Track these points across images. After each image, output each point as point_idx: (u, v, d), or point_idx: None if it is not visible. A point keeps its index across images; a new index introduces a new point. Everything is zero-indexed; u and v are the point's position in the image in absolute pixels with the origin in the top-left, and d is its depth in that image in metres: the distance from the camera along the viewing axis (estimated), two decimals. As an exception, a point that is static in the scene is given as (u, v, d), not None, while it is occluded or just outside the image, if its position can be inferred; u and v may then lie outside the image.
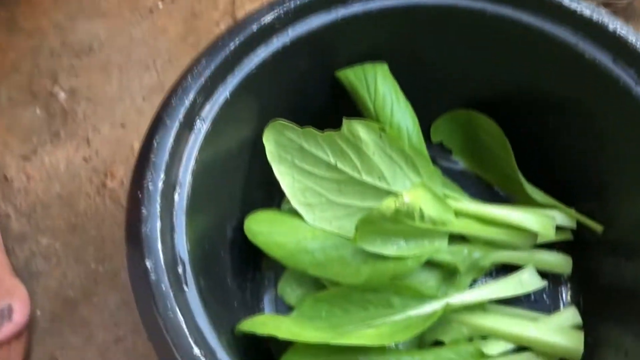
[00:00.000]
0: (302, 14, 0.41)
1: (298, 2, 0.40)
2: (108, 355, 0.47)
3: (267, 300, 0.47)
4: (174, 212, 0.35)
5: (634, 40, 0.38)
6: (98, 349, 0.48)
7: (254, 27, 0.39)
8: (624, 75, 0.38)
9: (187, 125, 0.37)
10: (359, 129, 0.42)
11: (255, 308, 0.46)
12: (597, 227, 0.45)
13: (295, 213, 0.44)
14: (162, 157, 0.35)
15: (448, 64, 0.46)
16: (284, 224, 0.44)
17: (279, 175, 0.43)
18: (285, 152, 0.43)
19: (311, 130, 0.43)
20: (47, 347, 0.48)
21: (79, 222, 0.52)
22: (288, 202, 0.44)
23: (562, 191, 0.48)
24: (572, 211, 0.46)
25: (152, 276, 0.31)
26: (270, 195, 0.47)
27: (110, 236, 0.52)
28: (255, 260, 0.47)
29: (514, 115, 0.47)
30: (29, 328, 0.48)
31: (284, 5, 0.40)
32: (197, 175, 0.37)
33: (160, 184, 0.34)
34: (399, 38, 0.44)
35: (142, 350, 0.47)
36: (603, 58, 0.39)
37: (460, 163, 0.52)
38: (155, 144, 0.35)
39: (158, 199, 0.34)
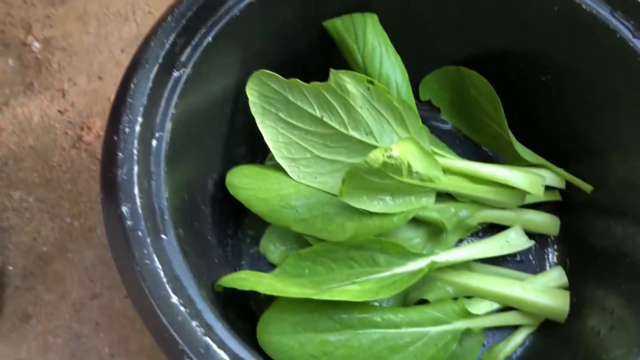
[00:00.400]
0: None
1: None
2: (83, 312, 0.46)
3: (248, 259, 0.46)
4: (152, 158, 0.33)
5: (633, -9, 0.37)
6: (73, 305, 0.46)
7: (238, -31, 0.37)
8: (621, 27, 0.37)
9: (167, 68, 0.35)
10: (347, 81, 0.41)
11: (236, 266, 0.45)
12: (587, 187, 0.45)
13: (279, 168, 0.42)
14: (139, 100, 0.33)
15: (439, 20, 0.45)
16: (267, 179, 0.42)
17: (263, 128, 0.42)
18: (269, 104, 0.41)
19: (297, 81, 0.41)
20: (19, 303, 0.46)
21: (53, 176, 0.50)
22: (272, 157, 0.43)
23: (551, 152, 0.47)
24: (562, 171, 0.46)
25: (128, 222, 0.30)
26: (254, 150, 0.45)
27: (86, 191, 0.50)
28: (237, 217, 0.45)
29: (506, 74, 0.46)
30: (1, 284, 0.46)
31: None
32: (177, 122, 0.35)
33: (137, 128, 0.33)
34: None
35: (119, 307, 0.46)
36: (601, 10, 0.38)
37: (448, 123, 0.51)
38: (133, 86, 0.33)
39: (135, 143, 0.32)
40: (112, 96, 0.52)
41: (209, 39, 0.37)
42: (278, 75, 0.41)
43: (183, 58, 0.36)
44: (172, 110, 0.35)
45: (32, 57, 0.56)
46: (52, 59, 0.56)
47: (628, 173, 0.41)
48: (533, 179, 0.43)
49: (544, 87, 0.45)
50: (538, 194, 0.43)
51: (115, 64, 0.56)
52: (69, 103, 0.54)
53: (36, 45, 0.56)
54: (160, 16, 0.36)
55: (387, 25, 0.43)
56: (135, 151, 0.32)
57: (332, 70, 0.41)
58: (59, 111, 0.53)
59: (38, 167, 0.51)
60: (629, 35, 0.37)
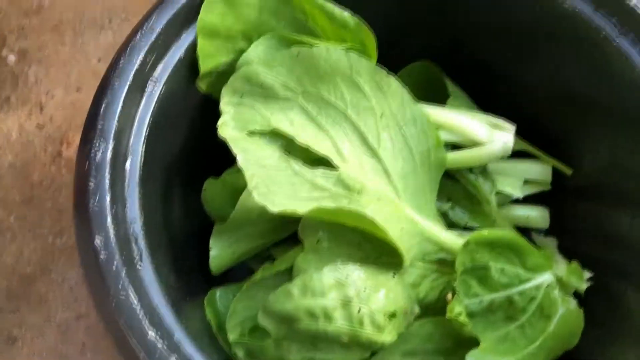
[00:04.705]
0: (262, -37, 0.37)
1: (257, -49, 0.37)
2: (69, 333, 0.45)
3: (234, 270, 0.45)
4: (126, 183, 0.32)
5: (616, -13, 0.36)
6: (58, 326, 0.45)
7: (209, -22, 0.36)
8: (604, 25, 0.36)
9: (138, 87, 0.34)
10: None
11: (221, 279, 0.44)
12: (566, 170, 0.44)
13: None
14: (110, 123, 0.32)
15: (411, 17, 0.43)
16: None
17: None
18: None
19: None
20: (4, 325, 0.46)
21: (34, 194, 0.49)
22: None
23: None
24: (545, 156, 0.45)
25: (102, 255, 0.29)
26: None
27: (67, 207, 0.49)
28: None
29: (483, 62, 0.45)
30: (-15, 306, 0.45)
31: (242, -47, 0.37)
32: (150, 142, 0.34)
33: (109, 154, 0.32)
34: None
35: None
36: (584, 7, 0.37)
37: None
38: (103, 110, 0.32)
39: (107, 169, 0.31)
40: (91, 109, 0.53)
41: (181, 53, 0.36)
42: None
43: (154, 75, 0.35)
44: (145, 130, 0.34)
45: (7, 70, 0.54)
46: (29, 71, 0.54)
47: (602, 159, 0.41)
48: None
49: (521, 76, 0.44)
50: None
51: (93, 74, 0.54)
52: (48, 117, 0.53)
53: (12, 58, 0.55)
54: (130, 32, 0.35)
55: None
56: (107, 179, 0.31)
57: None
58: (38, 126, 0.52)
59: (18, 184, 0.50)
60: (613, 35, 0.36)
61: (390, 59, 0.44)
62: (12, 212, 0.49)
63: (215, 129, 0.39)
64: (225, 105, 0.38)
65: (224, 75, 0.39)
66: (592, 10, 0.37)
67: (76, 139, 0.51)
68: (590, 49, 0.38)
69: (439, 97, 0.47)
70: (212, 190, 0.40)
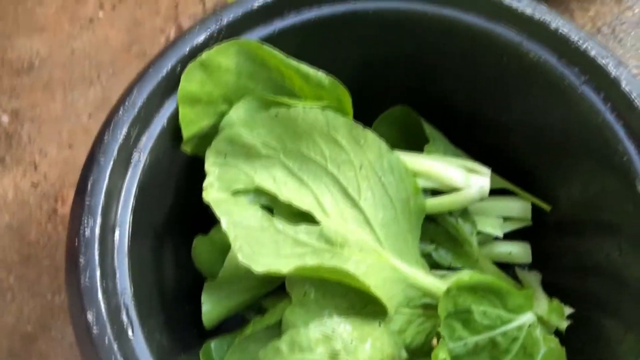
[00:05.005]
0: (236, 30, 0.39)
1: (231, 18, 0.39)
2: (71, 390, 0.46)
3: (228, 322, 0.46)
4: (115, 256, 0.33)
5: (576, 39, 0.37)
6: (60, 384, 0.47)
7: (186, 50, 0.38)
8: (568, 74, 0.38)
9: (123, 160, 0.35)
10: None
11: (215, 334, 0.45)
12: (545, 206, 0.45)
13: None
14: (97, 198, 0.34)
15: (389, 67, 0.45)
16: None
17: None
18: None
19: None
20: (8, 384, 0.47)
21: (32, 253, 0.51)
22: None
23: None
24: (525, 193, 0.46)
25: (94, 330, 0.30)
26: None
27: (63, 265, 0.50)
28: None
29: (459, 106, 0.47)
30: (-12, 367, 0.47)
31: (218, 22, 0.38)
32: (138, 209, 0.35)
33: (97, 229, 0.33)
34: (336, 46, 0.42)
35: (105, 382, 0.46)
36: (548, 57, 0.38)
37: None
38: (89, 187, 0.34)
39: (96, 245, 0.33)
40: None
41: (163, 122, 0.37)
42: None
43: (139, 146, 0.36)
44: (132, 200, 0.35)
45: (1, 131, 0.56)
46: (22, 130, 0.56)
47: (574, 196, 0.43)
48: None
49: (498, 126, 0.46)
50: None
51: (84, 131, 0.56)
52: (42, 175, 0.54)
53: (5, 118, 0.56)
54: (113, 107, 0.36)
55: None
56: (96, 254, 0.32)
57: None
58: (33, 184, 0.54)
59: (16, 244, 0.51)
60: (576, 83, 0.37)
61: (371, 103, 0.46)
62: (12, 272, 0.50)
63: (202, 187, 0.41)
64: (210, 166, 0.40)
65: (207, 136, 0.40)
66: (556, 60, 0.38)
67: (70, 196, 0.53)
68: (557, 96, 0.39)
69: (418, 140, 0.48)
70: (201, 247, 0.42)
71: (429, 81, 0.46)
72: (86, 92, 0.58)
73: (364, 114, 0.46)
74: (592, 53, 0.37)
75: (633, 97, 0.35)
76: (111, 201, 0.34)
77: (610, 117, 0.36)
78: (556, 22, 0.37)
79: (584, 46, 0.37)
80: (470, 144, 0.48)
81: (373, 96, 0.46)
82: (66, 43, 0.60)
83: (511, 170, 0.47)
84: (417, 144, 0.49)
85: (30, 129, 0.56)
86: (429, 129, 0.48)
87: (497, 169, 0.47)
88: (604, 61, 0.36)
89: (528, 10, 0.38)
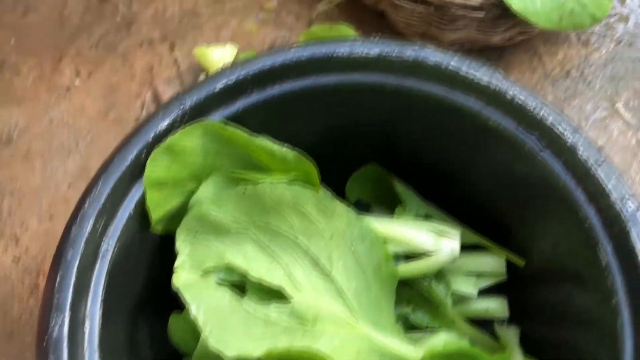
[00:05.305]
0: (200, 112, 0.40)
1: (194, 101, 0.39)
2: None
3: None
4: (85, 351, 0.34)
5: (533, 107, 0.38)
6: None
7: (150, 136, 0.38)
8: (528, 140, 0.38)
9: (91, 252, 0.36)
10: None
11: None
12: (519, 261, 0.45)
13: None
14: (65, 295, 0.34)
15: (356, 129, 0.45)
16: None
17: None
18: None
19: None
20: None
21: (14, 329, 0.51)
22: None
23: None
24: (498, 248, 0.46)
25: None
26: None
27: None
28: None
29: (429, 165, 0.47)
30: None
31: (181, 107, 0.39)
32: (108, 300, 0.36)
33: (66, 326, 0.33)
34: (301, 116, 0.43)
35: None
36: (507, 124, 0.39)
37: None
38: (57, 284, 0.34)
39: (65, 343, 0.33)
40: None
41: (130, 210, 0.38)
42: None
43: (107, 235, 0.37)
44: (101, 292, 0.36)
45: (-18, 205, 0.57)
46: (2, 204, 0.57)
47: (546, 250, 0.43)
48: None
49: (468, 183, 0.46)
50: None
51: (64, 201, 0.57)
52: (23, 249, 0.55)
53: (-15, 193, 0.57)
54: (78, 201, 0.37)
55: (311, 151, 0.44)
56: (65, 353, 0.32)
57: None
58: (14, 259, 0.54)
59: (-1, 321, 0.52)
60: (536, 149, 0.38)
61: (343, 162, 0.47)
62: (-5, 350, 0.51)
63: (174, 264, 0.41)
64: (181, 244, 0.40)
65: (177, 215, 0.41)
66: (515, 126, 0.39)
67: (52, 269, 0.53)
68: (519, 159, 0.39)
69: (391, 197, 0.49)
70: (176, 326, 0.42)
71: (396, 140, 0.46)
72: (65, 161, 0.58)
73: (339, 173, 0.47)
74: (549, 120, 0.37)
75: (590, 164, 0.36)
76: (80, 296, 0.34)
77: (570, 182, 0.37)
78: (512, 90, 0.38)
79: (541, 114, 0.37)
80: (443, 197, 0.48)
81: (344, 155, 0.47)
82: (44, 113, 0.61)
83: (486, 223, 0.47)
84: (390, 200, 0.49)
85: (11, 202, 0.57)
86: (400, 188, 0.48)
87: (472, 221, 0.48)
88: (560, 128, 0.37)
89: (484, 80, 0.39)
